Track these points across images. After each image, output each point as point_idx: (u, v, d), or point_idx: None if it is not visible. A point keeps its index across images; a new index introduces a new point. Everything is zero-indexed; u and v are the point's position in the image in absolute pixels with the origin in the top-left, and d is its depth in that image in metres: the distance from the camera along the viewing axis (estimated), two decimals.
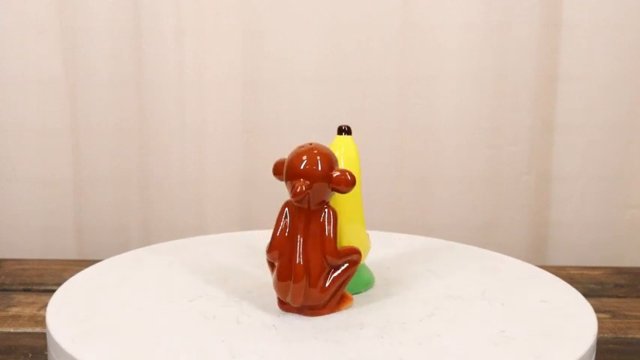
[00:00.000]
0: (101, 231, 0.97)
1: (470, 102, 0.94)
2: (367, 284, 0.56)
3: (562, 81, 0.94)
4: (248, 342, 0.47)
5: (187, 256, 0.62)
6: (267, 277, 0.53)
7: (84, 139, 0.95)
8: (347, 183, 0.49)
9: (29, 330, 0.74)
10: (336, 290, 0.51)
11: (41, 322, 0.75)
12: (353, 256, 0.51)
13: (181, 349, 0.46)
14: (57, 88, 0.94)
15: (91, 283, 0.57)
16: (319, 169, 0.49)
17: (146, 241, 0.96)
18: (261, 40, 0.93)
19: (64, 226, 0.97)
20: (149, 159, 0.96)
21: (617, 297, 0.83)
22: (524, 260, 0.63)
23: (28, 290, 0.83)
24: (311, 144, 0.50)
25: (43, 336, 0.67)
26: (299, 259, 0.49)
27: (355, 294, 0.54)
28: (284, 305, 0.51)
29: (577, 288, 0.57)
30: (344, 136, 0.54)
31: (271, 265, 0.52)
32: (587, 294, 0.66)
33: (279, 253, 0.50)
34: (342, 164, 0.53)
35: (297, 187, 0.49)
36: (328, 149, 0.51)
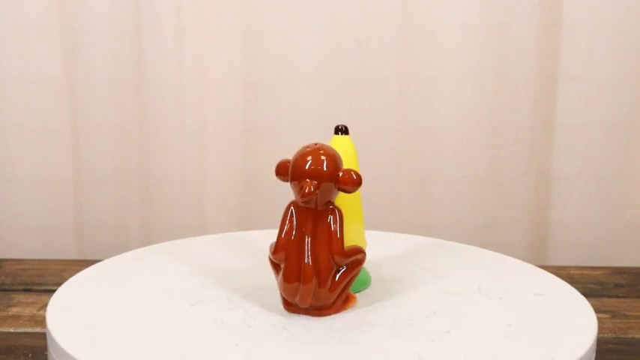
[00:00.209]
0: (101, 231, 0.97)
1: (470, 102, 0.94)
2: (365, 283, 0.56)
3: (562, 81, 0.94)
4: (263, 346, 0.47)
5: (187, 256, 0.62)
6: (268, 278, 0.53)
7: (84, 139, 0.95)
8: (353, 182, 0.49)
9: (29, 330, 0.74)
10: (342, 290, 0.51)
11: (41, 322, 0.75)
12: (358, 255, 0.51)
13: (192, 352, 0.46)
14: (57, 88, 0.93)
15: (91, 283, 0.57)
16: (326, 169, 0.49)
17: (146, 241, 0.96)
18: (261, 40, 0.93)
19: (64, 226, 0.97)
20: (149, 159, 0.95)
21: (617, 297, 0.83)
22: (524, 260, 0.63)
23: (28, 290, 0.83)
24: (316, 144, 0.50)
25: (43, 336, 0.67)
26: (308, 259, 0.49)
27: (355, 293, 0.54)
28: (290, 306, 0.51)
29: (577, 288, 0.57)
30: (341, 136, 0.54)
31: (275, 266, 0.51)
32: (587, 294, 0.66)
33: (286, 254, 0.50)
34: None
35: (306, 188, 0.48)
36: (334, 149, 0.51)
